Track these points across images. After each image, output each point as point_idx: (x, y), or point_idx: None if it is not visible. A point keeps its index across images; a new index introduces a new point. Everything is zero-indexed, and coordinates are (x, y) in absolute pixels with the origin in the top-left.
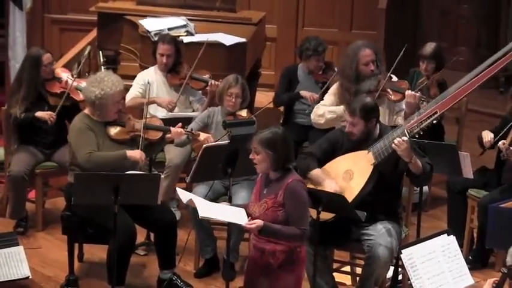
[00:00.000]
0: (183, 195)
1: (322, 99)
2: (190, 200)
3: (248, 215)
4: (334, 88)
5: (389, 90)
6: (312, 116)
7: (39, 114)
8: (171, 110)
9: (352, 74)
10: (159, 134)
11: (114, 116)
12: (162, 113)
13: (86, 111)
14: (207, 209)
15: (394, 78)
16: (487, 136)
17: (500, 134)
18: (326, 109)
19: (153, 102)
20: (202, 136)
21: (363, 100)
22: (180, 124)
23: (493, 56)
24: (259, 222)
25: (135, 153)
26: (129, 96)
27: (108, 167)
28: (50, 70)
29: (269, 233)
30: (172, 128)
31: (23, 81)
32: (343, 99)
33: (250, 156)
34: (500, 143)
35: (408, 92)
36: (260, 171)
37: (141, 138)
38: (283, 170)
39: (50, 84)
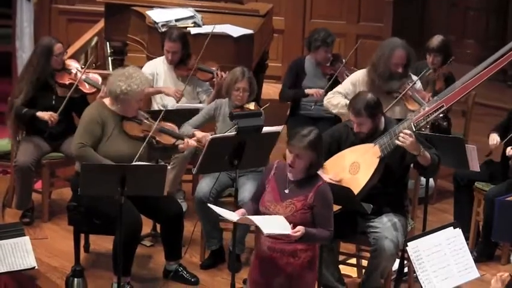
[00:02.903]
0: (231, 215)
1: (331, 90)
2: (246, 219)
3: (263, 213)
4: (356, 78)
5: (409, 97)
6: (326, 101)
7: (40, 114)
8: (178, 100)
9: (386, 72)
10: (172, 140)
11: (134, 113)
12: (170, 103)
13: (106, 100)
14: (266, 224)
15: (418, 84)
16: (493, 140)
17: (509, 137)
18: (342, 102)
19: (159, 91)
20: (199, 135)
21: (365, 98)
22: (195, 138)
23: (501, 50)
24: (302, 229)
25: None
26: None
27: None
28: (61, 60)
29: (308, 238)
30: (185, 139)
31: (33, 70)
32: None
33: (289, 162)
34: (508, 149)
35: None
36: (295, 176)
37: (147, 139)
38: (311, 172)
39: (60, 75)
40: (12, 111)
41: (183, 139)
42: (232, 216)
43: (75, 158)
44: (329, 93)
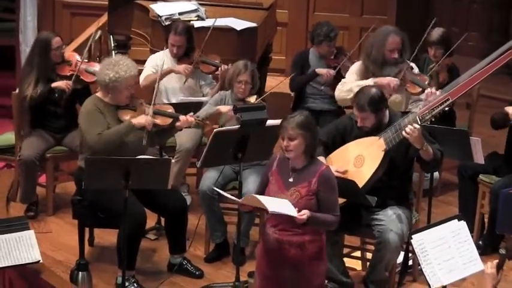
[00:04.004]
0: (235, 198)
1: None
2: (251, 198)
3: None
4: (356, 67)
5: (409, 81)
6: (337, 92)
7: (55, 84)
8: (188, 76)
9: (379, 58)
10: (169, 121)
11: (126, 101)
12: (173, 99)
13: (98, 94)
14: (271, 204)
15: (415, 69)
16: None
17: None
18: (354, 84)
19: (169, 71)
20: (225, 108)
21: (369, 93)
22: (191, 114)
23: (508, 43)
24: (307, 212)
25: (140, 119)
26: (142, 77)
27: (118, 142)
28: (60, 54)
29: (314, 222)
30: (181, 116)
31: (34, 65)
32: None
33: (284, 144)
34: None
35: (428, 90)
36: (294, 158)
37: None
38: (310, 157)
39: (60, 68)
40: (27, 103)
41: (178, 118)
42: (237, 199)
43: (99, 151)
44: (337, 87)
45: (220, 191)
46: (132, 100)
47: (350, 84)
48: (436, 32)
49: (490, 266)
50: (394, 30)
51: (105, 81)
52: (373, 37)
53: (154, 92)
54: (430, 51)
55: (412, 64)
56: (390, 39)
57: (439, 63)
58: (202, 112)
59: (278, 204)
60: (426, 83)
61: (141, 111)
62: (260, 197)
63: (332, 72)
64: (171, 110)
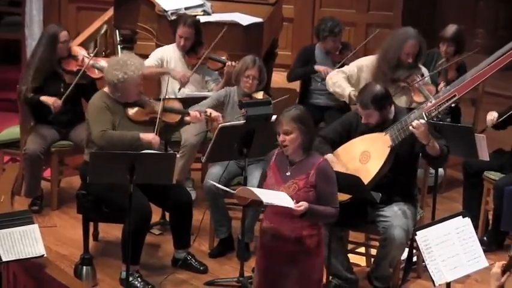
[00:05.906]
0: (230, 190)
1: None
2: (245, 189)
3: None
4: (363, 62)
5: (416, 89)
6: (328, 77)
7: (43, 98)
8: (183, 85)
9: (394, 59)
10: (178, 117)
11: (136, 98)
12: (177, 86)
13: (106, 89)
14: (266, 196)
15: (426, 77)
16: (490, 115)
17: (505, 116)
18: (338, 81)
19: (167, 73)
20: (214, 113)
21: (372, 91)
22: (198, 109)
23: None
24: (305, 204)
25: (149, 136)
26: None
27: (120, 147)
28: (66, 48)
29: (313, 214)
30: (191, 112)
31: (37, 57)
32: (376, 79)
33: (280, 139)
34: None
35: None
36: (291, 153)
37: (157, 121)
38: (307, 150)
39: (66, 62)
40: (20, 97)
41: (188, 113)
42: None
43: (102, 147)
44: (334, 70)
45: (219, 185)
46: (140, 97)
47: (337, 78)
48: (451, 29)
49: (497, 266)
50: (414, 33)
51: (114, 82)
52: (391, 38)
53: (165, 89)
54: (441, 47)
55: (425, 70)
56: (409, 42)
57: (449, 61)
58: (204, 105)
59: (274, 196)
60: (432, 94)
61: (149, 107)
62: (254, 189)
63: (330, 70)
64: (179, 105)
